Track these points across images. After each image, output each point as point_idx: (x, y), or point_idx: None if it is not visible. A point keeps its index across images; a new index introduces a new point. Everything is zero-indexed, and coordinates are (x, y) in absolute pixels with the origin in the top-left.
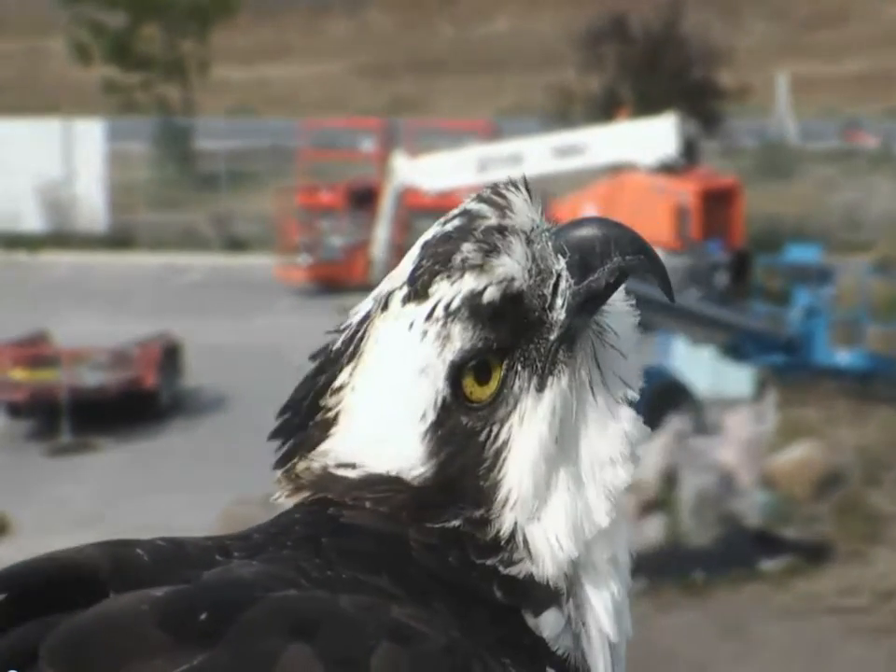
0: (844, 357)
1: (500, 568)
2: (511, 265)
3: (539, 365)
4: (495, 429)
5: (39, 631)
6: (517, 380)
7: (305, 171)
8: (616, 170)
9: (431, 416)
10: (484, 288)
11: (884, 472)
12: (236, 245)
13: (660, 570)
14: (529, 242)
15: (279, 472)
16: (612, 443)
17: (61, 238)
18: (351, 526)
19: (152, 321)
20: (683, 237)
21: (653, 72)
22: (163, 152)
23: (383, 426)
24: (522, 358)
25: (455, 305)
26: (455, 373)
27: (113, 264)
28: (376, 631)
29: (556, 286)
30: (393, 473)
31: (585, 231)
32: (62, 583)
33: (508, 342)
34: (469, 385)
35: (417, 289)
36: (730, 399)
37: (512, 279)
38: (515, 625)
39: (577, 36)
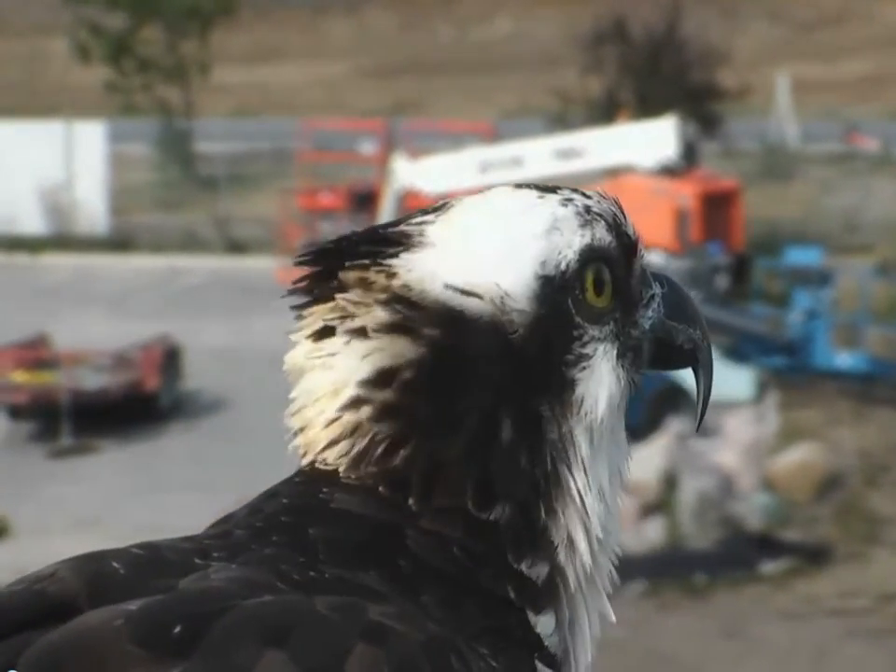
0: (844, 359)
1: (524, 569)
2: (640, 246)
3: (621, 341)
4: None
5: (12, 649)
6: (610, 336)
7: (305, 172)
8: (616, 172)
9: (549, 270)
10: (627, 226)
11: (884, 474)
12: (237, 247)
13: (660, 572)
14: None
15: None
16: (623, 465)
17: (61, 240)
18: (341, 513)
19: (153, 324)
20: (683, 240)
21: (654, 74)
22: (164, 154)
23: (483, 259)
24: (616, 322)
25: (600, 210)
26: (586, 258)
27: (114, 267)
28: (351, 633)
29: (651, 299)
30: (478, 308)
31: (687, 292)
32: (34, 619)
33: (620, 286)
34: (590, 283)
35: (557, 189)
36: (730, 401)
37: (642, 253)
38: (510, 617)
39: (578, 38)
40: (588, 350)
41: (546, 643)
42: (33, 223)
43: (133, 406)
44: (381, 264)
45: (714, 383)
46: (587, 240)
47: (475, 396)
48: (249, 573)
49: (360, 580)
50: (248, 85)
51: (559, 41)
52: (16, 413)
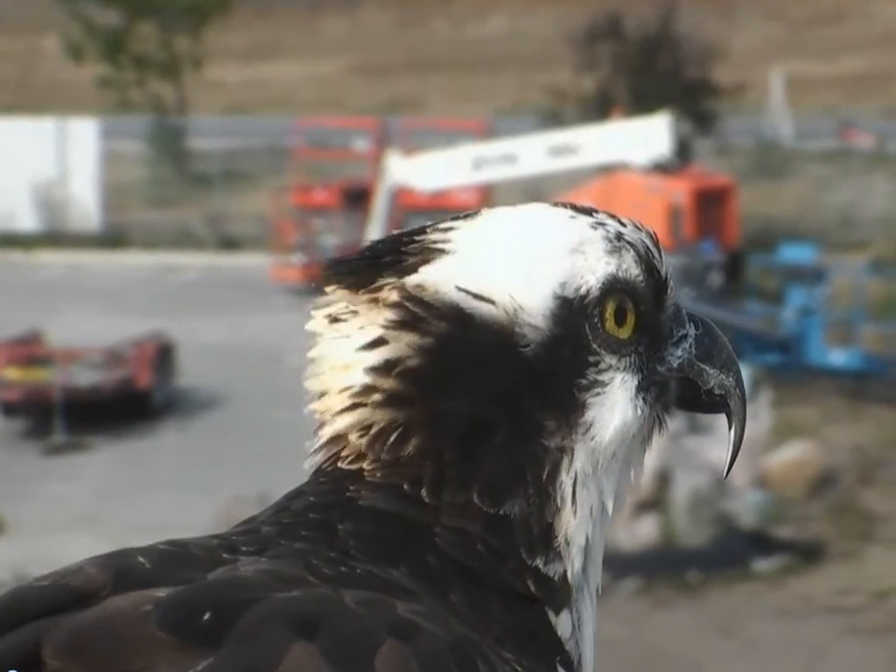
0: (838, 356)
1: (540, 566)
2: (672, 284)
3: (644, 374)
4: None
5: (40, 631)
6: (631, 366)
7: (300, 169)
8: (610, 169)
9: (569, 292)
10: (659, 261)
11: (878, 472)
12: (230, 244)
13: (654, 570)
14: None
15: (346, 286)
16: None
17: (55, 237)
18: (369, 510)
19: (146, 321)
20: (677, 237)
21: (648, 71)
22: (158, 151)
23: (502, 270)
24: (639, 356)
25: (632, 239)
26: (609, 287)
27: (107, 264)
28: (380, 629)
29: (682, 339)
30: (490, 313)
31: (723, 337)
32: (58, 610)
33: (647, 320)
34: (610, 313)
35: (594, 212)
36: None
37: (675, 289)
38: (535, 619)
39: (573, 36)
40: (604, 377)
41: (566, 646)
42: (26, 220)
43: (127, 403)
44: (398, 271)
45: (742, 436)
46: (612, 269)
47: (476, 395)
48: (279, 566)
49: (390, 575)
50: (244, 82)
51: (554, 39)
52: (9, 410)
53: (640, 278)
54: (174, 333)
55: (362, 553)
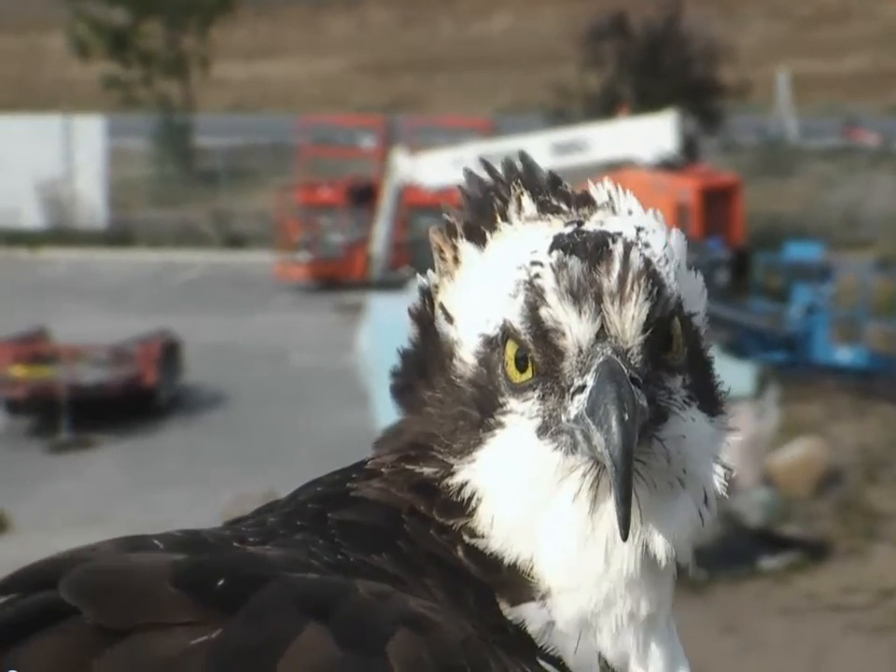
0: (844, 354)
1: (465, 537)
2: (579, 324)
3: (544, 421)
4: (499, 416)
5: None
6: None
7: (305, 168)
8: (616, 167)
9: (489, 331)
10: (550, 307)
11: (884, 470)
12: (236, 242)
13: None
14: (595, 341)
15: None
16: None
17: (60, 235)
18: (359, 501)
19: (151, 318)
20: (683, 235)
21: (654, 69)
22: (163, 149)
23: (471, 296)
24: (542, 402)
25: (540, 283)
26: (505, 331)
27: (113, 261)
28: (394, 619)
29: (581, 389)
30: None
31: (612, 388)
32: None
33: (542, 367)
34: (510, 357)
35: (563, 245)
36: (730, 396)
37: (578, 336)
38: (499, 611)
39: (577, 34)
40: (505, 419)
41: (541, 642)
42: (32, 217)
43: (132, 401)
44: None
45: (623, 496)
46: (507, 313)
47: (427, 404)
48: (287, 553)
49: (377, 563)
50: (248, 80)
51: (558, 37)
52: (14, 407)
53: (524, 324)
54: (179, 331)
55: (347, 541)
